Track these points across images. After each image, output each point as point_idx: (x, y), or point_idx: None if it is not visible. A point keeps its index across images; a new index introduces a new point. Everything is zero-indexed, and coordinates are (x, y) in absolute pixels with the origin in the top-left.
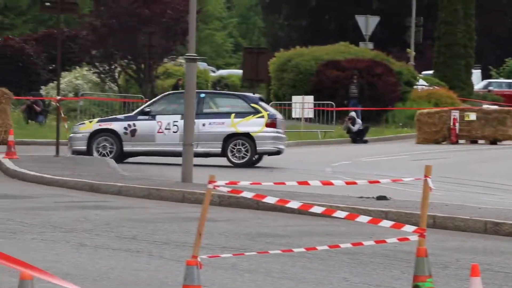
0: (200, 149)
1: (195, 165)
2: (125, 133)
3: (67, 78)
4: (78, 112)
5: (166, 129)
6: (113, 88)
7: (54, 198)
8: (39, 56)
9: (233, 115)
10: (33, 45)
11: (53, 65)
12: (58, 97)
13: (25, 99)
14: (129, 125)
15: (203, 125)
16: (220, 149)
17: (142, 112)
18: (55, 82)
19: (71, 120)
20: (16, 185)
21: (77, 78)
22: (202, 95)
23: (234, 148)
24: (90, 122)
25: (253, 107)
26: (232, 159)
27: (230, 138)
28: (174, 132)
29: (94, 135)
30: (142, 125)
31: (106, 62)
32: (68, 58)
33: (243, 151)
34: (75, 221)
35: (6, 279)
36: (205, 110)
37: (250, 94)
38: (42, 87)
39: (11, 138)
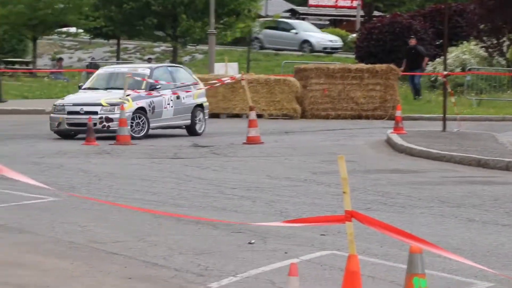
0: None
1: None
2: None
3: (454, 53)
4: (465, 87)
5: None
6: (501, 63)
7: (441, 173)
8: (426, 31)
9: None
10: (421, 21)
11: (440, 40)
12: (445, 72)
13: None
14: None
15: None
16: None
17: None
18: (442, 57)
19: (457, 95)
20: (404, 160)
21: (464, 52)
22: (169, 68)
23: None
24: None
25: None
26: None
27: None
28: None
29: None
30: None
31: (493, 36)
32: (455, 33)
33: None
34: (462, 196)
35: (396, 252)
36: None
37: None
38: (429, 62)
39: (398, 113)
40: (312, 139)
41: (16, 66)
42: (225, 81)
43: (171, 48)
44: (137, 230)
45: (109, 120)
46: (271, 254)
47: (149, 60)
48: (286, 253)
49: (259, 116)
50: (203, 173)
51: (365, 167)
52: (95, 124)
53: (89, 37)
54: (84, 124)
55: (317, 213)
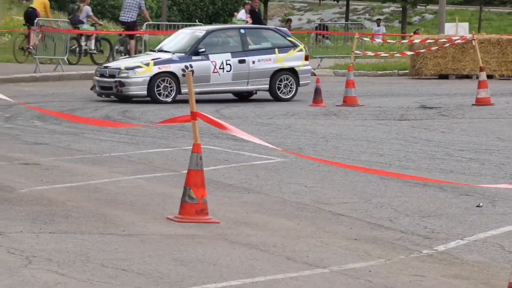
0: (250, 87)
1: None
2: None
3: None
4: None
5: (220, 68)
6: None
7: None
8: None
9: (276, 50)
10: None
11: None
12: None
13: None
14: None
15: (253, 62)
16: (267, 85)
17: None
18: None
19: None
20: None
21: None
22: (242, 30)
23: (280, 84)
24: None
25: (290, 41)
26: (280, 95)
27: (276, 73)
28: (227, 71)
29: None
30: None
31: None
32: None
33: (289, 86)
34: None
35: None
36: (250, 47)
37: (281, 28)
38: None
39: None
40: None
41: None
42: (456, 41)
43: (400, 9)
44: (362, 191)
45: (122, 84)
46: (500, 218)
47: (378, 21)
48: None
49: (490, 77)
50: (430, 135)
51: None
52: (111, 88)
53: None
54: (108, 88)
55: None
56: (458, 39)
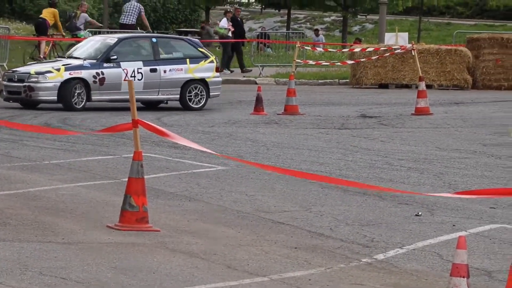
0: (161, 96)
1: None
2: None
3: None
4: None
5: (131, 76)
6: None
7: None
8: None
9: (188, 60)
10: None
11: None
12: None
13: None
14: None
15: (164, 71)
16: (178, 95)
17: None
18: None
19: None
20: None
21: None
22: (154, 39)
23: (191, 94)
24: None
25: (201, 52)
26: (191, 105)
27: (186, 84)
28: (138, 80)
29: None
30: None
31: None
32: None
33: (199, 96)
34: None
35: None
36: (162, 56)
37: (192, 38)
38: None
39: None
40: (483, 110)
41: (189, 36)
42: (395, 51)
43: (341, 18)
44: (303, 200)
45: (31, 89)
46: (439, 227)
47: (316, 31)
48: (454, 225)
49: (429, 86)
50: (370, 144)
51: None
52: (19, 93)
53: (260, 7)
54: (16, 93)
55: (486, 186)
56: (398, 49)
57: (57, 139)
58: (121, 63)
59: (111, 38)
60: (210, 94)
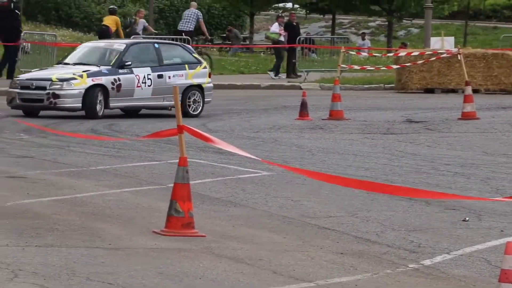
0: (165, 103)
1: None
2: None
3: None
4: None
5: (142, 83)
6: None
7: None
8: None
9: (186, 66)
10: None
11: None
12: None
13: None
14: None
15: (169, 77)
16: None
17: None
18: None
19: None
20: None
21: None
22: (156, 45)
23: (190, 100)
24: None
25: (195, 58)
26: (190, 112)
27: (186, 90)
28: (148, 86)
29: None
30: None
31: None
32: None
33: (197, 102)
34: None
35: None
36: (165, 62)
37: (185, 44)
38: None
39: None
40: None
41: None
42: (441, 56)
43: (386, 23)
44: (349, 205)
45: (56, 96)
46: (486, 232)
47: (362, 34)
48: (502, 231)
49: (475, 91)
50: (416, 149)
51: None
52: (42, 100)
53: (305, 12)
54: (36, 100)
55: None
56: (444, 53)
57: (103, 145)
58: (133, 69)
59: (118, 44)
60: (205, 100)
